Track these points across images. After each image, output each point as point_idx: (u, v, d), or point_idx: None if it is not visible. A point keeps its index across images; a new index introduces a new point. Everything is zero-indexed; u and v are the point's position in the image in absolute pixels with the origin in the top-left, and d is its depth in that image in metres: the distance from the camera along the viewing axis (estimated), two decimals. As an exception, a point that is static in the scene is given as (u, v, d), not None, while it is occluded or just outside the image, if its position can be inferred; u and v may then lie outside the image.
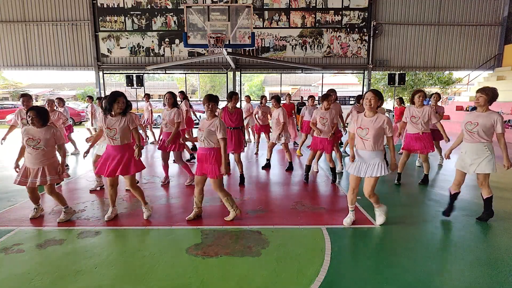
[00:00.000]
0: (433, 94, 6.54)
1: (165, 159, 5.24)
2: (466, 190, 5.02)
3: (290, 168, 6.27)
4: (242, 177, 5.33)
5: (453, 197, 3.88)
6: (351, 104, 15.46)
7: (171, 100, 5.11)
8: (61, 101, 7.78)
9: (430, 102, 6.61)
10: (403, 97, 14.23)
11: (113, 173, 3.65)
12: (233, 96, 5.10)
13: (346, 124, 6.40)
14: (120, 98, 3.60)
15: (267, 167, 6.44)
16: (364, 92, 13.87)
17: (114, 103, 3.57)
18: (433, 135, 6.07)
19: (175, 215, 4.01)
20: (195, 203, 3.84)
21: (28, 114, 3.57)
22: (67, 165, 6.74)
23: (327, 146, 5.15)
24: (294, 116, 8.50)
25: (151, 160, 7.45)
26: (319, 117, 5.12)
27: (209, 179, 3.65)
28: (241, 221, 3.79)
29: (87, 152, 3.83)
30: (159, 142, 5.13)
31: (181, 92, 8.84)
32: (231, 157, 6.10)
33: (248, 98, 9.51)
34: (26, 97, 5.17)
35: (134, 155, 3.72)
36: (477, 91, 3.58)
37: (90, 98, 9.31)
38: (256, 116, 7.68)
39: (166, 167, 5.30)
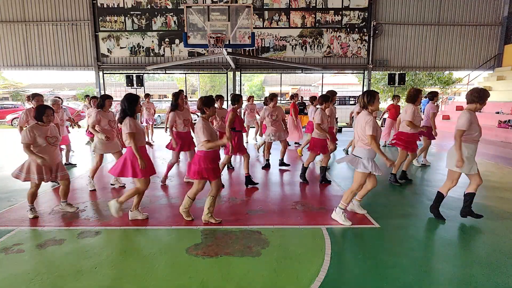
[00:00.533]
0: (437, 92, 6.49)
1: (177, 160, 5.31)
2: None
3: (282, 164, 6.45)
4: (249, 178, 5.28)
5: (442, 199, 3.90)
6: (351, 104, 15.42)
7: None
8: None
9: (429, 101, 6.61)
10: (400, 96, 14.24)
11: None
12: (240, 98, 5.13)
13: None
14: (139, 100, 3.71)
15: (267, 167, 6.45)
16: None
17: (138, 105, 3.64)
18: (427, 132, 6.14)
19: (175, 215, 4.00)
20: (188, 207, 3.77)
21: (49, 112, 3.72)
22: (75, 165, 6.78)
23: (325, 147, 5.15)
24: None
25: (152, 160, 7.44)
26: (326, 119, 5.12)
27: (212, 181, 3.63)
28: (241, 221, 3.79)
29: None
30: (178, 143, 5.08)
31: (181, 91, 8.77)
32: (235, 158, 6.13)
33: (252, 99, 9.49)
34: (41, 97, 5.16)
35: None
36: (486, 98, 3.50)
37: (88, 97, 9.22)
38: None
39: (171, 167, 5.31)
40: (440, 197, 3.87)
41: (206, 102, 3.52)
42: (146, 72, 13.91)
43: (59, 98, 7.48)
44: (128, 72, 13.63)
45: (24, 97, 29.58)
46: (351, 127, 5.72)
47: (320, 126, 4.92)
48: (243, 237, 3.36)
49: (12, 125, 15.83)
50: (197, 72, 16.44)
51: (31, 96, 5.15)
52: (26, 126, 4.82)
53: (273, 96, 6.01)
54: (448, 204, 4.33)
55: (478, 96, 3.47)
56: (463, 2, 13.35)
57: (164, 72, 14.76)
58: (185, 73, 15.51)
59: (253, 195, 4.79)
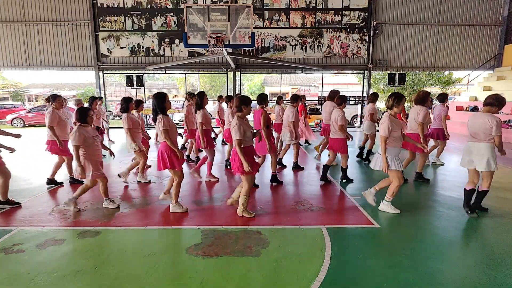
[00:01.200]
0: (447, 94, 6.43)
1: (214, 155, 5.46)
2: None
3: (296, 167, 6.35)
4: (276, 176, 5.37)
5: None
6: (351, 105, 15.36)
7: None
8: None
9: (435, 102, 6.60)
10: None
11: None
12: (267, 98, 5.30)
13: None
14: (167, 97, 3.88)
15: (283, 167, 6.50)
16: (367, 92, 13.87)
17: (166, 103, 3.79)
18: (438, 133, 6.16)
19: (175, 215, 4.00)
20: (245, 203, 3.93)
21: (91, 113, 4.00)
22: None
23: (345, 146, 5.19)
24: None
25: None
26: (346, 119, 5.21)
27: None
28: (241, 221, 3.79)
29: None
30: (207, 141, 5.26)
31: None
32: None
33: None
34: (61, 98, 5.33)
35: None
36: (503, 106, 3.88)
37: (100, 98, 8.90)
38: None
39: (211, 164, 5.49)
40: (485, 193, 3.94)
41: (245, 101, 3.71)
42: (146, 72, 13.91)
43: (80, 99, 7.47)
44: (128, 72, 13.63)
45: (24, 97, 29.60)
46: (358, 127, 5.79)
47: (343, 127, 5.06)
48: (243, 237, 3.36)
49: (12, 125, 15.81)
50: (197, 72, 16.45)
51: (51, 97, 5.30)
52: (55, 125, 5.07)
53: (297, 97, 6.09)
54: (448, 204, 4.34)
55: (499, 103, 3.78)
56: (463, 2, 13.35)
57: (164, 72, 14.76)
58: (185, 73, 15.51)
59: (253, 195, 4.79)
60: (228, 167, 6.46)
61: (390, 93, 3.88)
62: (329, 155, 5.43)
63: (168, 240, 3.35)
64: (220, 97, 9.10)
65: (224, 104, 8.38)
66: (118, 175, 5.48)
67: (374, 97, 7.27)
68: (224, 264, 2.85)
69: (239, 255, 3.00)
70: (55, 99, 5.21)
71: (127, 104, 5.13)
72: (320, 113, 14.13)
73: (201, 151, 6.93)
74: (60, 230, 3.58)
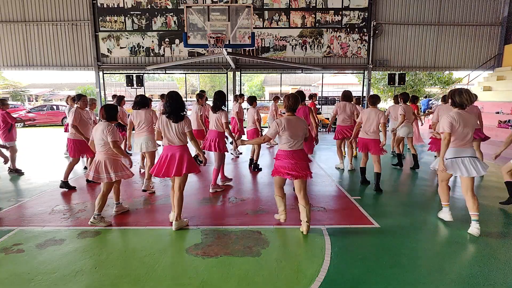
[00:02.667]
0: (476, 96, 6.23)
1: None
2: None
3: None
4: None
5: None
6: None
7: None
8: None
9: (436, 102, 6.50)
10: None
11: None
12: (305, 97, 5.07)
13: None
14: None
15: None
16: (367, 92, 13.87)
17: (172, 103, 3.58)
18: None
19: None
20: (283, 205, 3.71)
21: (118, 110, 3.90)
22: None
23: (377, 147, 4.95)
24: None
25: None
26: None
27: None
28: (241, 221, 3.79)
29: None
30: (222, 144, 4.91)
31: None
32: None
33: (279, 99, 9.36)
34: (85, 97, 5.37)
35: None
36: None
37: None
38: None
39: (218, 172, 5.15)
40: None
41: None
42: (146, 72, 13.91)
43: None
44: (128, 72, 13.62)
45: (24, 97, 29.61)
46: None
47: (385, 124, 4.91)
48: (243, 237, 3.36)
49: (12, 125, 15.81)
50: (197, 72, 16.45)
51: (76, 97, 5.37)
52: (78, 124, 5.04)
53: (312, 96, 5.93)
54: (450, 204, 4.32)
55: None
56: (463, 2, 13.35)
57: (164, 72, 14.76)
58: (185, 73, 15.51)
59: (253, 195, 4.79)
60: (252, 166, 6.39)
61: (450, 91, 3.48)
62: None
63: (168, 240, 3.35)
64: (236, 97, 8.78)
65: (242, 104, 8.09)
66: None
67: (406, 97, 6.79)
68: (224, 264, 2.85)
69: (239, 255, 3.00)
70: (80, 99, 5.27)
71: (145, 100, 5.10)
72: (319, 113, 14.18)
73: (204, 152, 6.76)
74: (60, 230, 3.57)
